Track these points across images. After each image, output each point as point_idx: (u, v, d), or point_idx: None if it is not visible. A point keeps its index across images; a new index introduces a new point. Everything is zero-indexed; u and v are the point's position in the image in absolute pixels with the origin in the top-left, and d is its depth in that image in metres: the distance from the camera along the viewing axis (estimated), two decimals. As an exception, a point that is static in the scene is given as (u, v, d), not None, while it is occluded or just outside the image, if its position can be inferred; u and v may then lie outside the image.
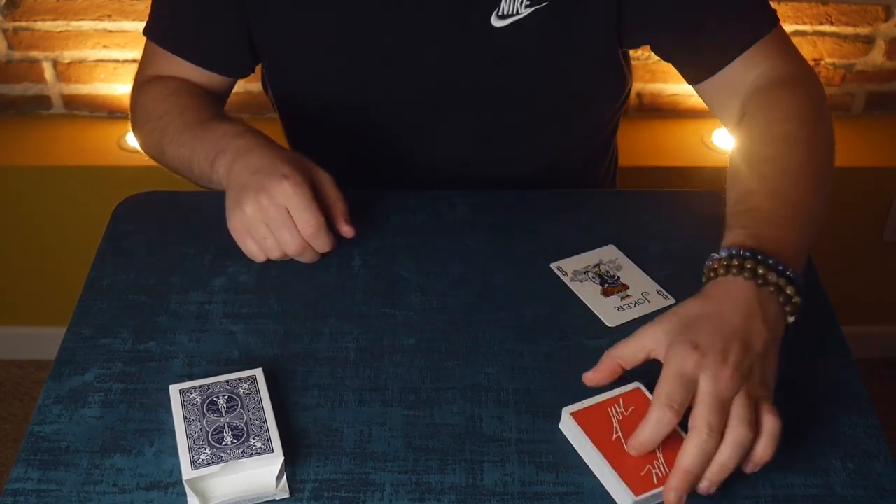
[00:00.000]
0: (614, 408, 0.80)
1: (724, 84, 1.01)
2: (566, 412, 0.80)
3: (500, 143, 1.13)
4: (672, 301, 0.94)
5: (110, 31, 1.73)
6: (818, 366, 0.88)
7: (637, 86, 1.80)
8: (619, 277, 0.97)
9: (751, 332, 0.76)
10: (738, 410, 0.73)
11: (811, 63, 1.75)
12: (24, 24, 1.72)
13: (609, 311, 0.93)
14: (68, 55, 1.77)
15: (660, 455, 0.75)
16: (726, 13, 1.00)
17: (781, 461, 0.80)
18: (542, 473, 0.79)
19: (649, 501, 0.75)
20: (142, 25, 1.73)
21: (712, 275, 0.81)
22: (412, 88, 1.07)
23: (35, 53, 1.77)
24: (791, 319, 0.80)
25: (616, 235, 1.02)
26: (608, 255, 1.00)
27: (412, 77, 1.06)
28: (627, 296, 0.95)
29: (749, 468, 0.75)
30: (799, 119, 0.95)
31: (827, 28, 1.72)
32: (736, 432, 0.72)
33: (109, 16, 1.71)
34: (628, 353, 0.79)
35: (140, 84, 1.11)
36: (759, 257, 0.79)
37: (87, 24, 1.72)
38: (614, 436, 0.78)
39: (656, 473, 0.75)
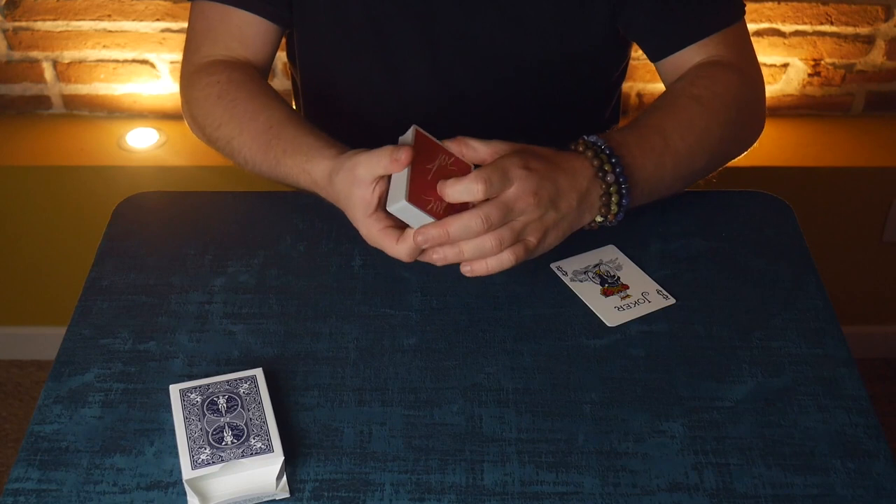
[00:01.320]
0: (445, 157, 0.86)
1: (678, 63, 1.07)
2: (415, 127, 0.85)
3: (508, 118, 1.15)
4: (672, 301, 0.94)
5: (110, 31, 1.73)
6: (818, 366, 0.88)
7: (637, 86, 1.80)
8: (619, 277, 0.97)
9: (565, 198, 0.88)
10: (504, 230, 0.84)
11: (811, 63, 1.76)
12: (24, 24, 1.72)
13: (609, 311, 0.93)
14: (68, 55, 1.77)
15: (444, 202, 0.84)
16: (696, 2, 1.06)
17: (781, 461, 0.80)
18: (542, 473, 0.79)
19: (410, 215, 0.82)
20: (142, 25, 1.74)
21: (572, 146, 0.92)
22: (427, 53, 1.09)
23: (35, 53, 1.77)
24: (599, 220, 0.92)
25: (616, 235, 1.02)
26: (608, 255, 1.00)
27: (428, 43, 1.09)
28: (627, 296, 0.95)
29: (464, 267, 0.86)
30: (715, 93, 1.02)
31: (827, 28, 1.72)
32: (487, 241, 0.83)
33: (109, 16, 1.71)
34: (480, 147, 0.87)
35: (187, 78, 1.09)
36: (614, 160, 0.91)
37: (87, 24, 1.72)
38: (429, 166, 0.84)
39: (432, 207, 0.83)
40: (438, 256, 0.85)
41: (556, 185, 0.87)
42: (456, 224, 0.83)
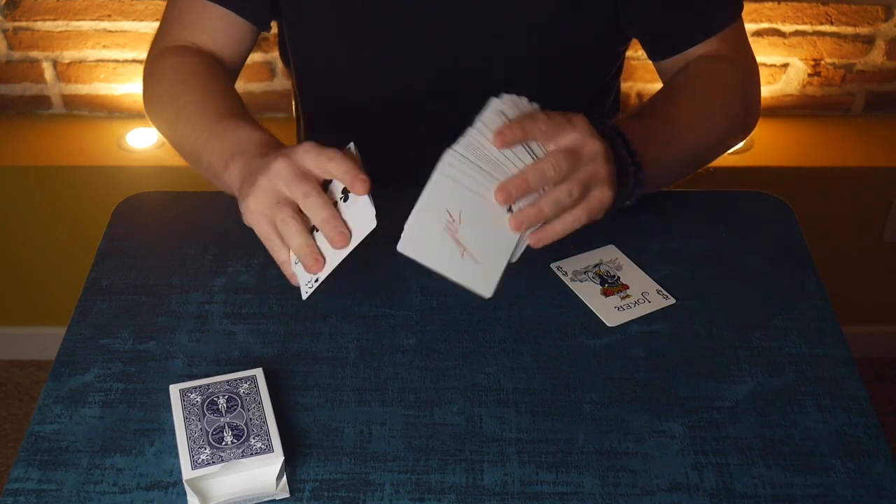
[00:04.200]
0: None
1: (679, 60, 1.10)
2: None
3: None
4: (672, 301, 0.94)
5: (110, 31, 1.73)
6: (818, 366, 0.88)
7: (637, 86, 1.80)
8: (619, 277, 0.97)
9: (611, 155, 0.86)
10: (572, 183, 0.81)
11: (811, 63, 1.76)
12: (24, 24, 1.73)
13: (609, 311, 0.93)
14: (68, 55, 1.77)
15: None
16: (701, 1, 1.08)
17: (781, 461, 0.80)
18: (542, 473, 0.79)
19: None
20: (141, 25, 1.74)
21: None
22: (427, 46, 1.10)
23: (35, 53, 1.77)
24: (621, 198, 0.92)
25: (616, 235, 1.02)
26: (608, 255, 1.00)
27: (427, 36, 1.09)
28: (627, 296, 0.95)
29: (533, 238, 0.82)
30: (721, 87, 1.06)
31: (827, 28, 1.72)
32: (562, 193, 0.81)
33: (109, 16, 1.71)
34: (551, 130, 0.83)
35: (156, 55, 1.10)
36: (630, 146, 0.92)
37: (87, 24, 1.72)
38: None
39: None
40: (518, 221, 0.81)
41: (611, 160, 0.86)
42: (532, 173, 0.80)
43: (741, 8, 1.10)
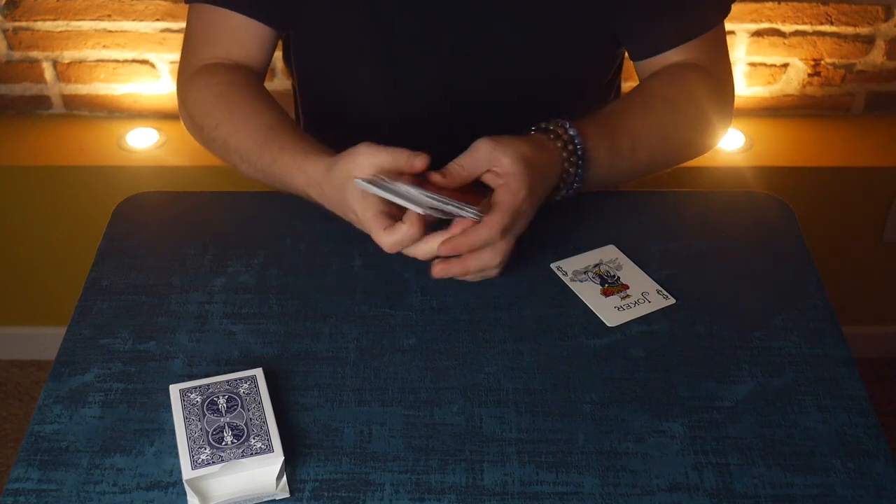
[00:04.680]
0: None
1: (657, 62, 1.11)
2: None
3: (508, 117, 1.15)
4: (672, 301, 0.94)
5: (110, 31, 1.73)
6: (818, 366, 0.88)
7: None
8: (619, 277, 0.97)
9: (541, 195, 0.93)
10: (505, 244, 0.89)
11: (811, 63, 1.76)
12: (24, 24, 1.72)
13: (609, 311, 0.93)
14: (68, 55, 1.77)
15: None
16: (685, 2, 1.08)
17: (781, 461, 0.80)
18: (542, 473, 0.79)
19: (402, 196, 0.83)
20: (142, 25, 1.74)
21: (544, 124, 0.97)
22: (429, 54, 1.10)
23: (35, 53, 1.77)
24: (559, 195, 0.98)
25: (616, 235, 1.02)
26: (608, 255, 1.00)
27: (429, 44, 1.09)
28: (627, 296, 0.95)
29: (436, 267, 0.90)
30: (689, 97, 1.07)
31: (827, 28, 1.72)
32: (490, 258, 0.89)
33: (109, 16, 1.71)
34: (464, 169, 0.89)
35: (186, 80, 1.10)
36: (580, 159, 0.96)
37: (87, 24, 1.72)
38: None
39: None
40: (439, 269, 0.89)
41: (542, 186, 0.91)
42: (474, 237, 0.87)
43: (724, 15, 1.10)
